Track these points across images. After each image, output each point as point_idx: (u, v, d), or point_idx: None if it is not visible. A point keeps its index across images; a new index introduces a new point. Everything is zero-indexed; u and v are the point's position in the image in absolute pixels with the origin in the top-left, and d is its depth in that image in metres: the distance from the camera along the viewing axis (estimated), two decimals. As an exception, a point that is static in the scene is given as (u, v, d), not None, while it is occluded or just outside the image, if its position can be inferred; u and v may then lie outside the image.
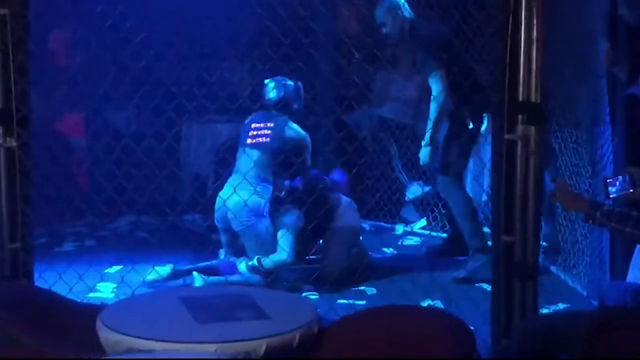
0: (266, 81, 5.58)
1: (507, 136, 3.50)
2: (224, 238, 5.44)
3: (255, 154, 5.36)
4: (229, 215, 5.25)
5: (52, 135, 6.88)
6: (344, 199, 5.58)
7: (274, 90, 5.50)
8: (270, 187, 5.32)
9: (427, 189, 6.71)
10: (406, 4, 5.63)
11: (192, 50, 6.53)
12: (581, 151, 5.18)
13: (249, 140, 5.45)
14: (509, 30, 3.47)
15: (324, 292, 5.05)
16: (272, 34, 5.26)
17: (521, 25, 3.45)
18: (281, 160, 5.33)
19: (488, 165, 5.64)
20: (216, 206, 5.35)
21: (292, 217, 5.30)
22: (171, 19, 5.91)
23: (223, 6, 6.31)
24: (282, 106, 5.48)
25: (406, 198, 6.80)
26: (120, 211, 6.78)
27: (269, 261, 5.19)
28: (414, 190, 6.75)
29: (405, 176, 6.93)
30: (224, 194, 5.29)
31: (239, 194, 5.16)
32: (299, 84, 5.56)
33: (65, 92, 7.19)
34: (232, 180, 5.35)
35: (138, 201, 6.27)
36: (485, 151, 6.16)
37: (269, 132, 5.43)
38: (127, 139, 6.00)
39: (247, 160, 5.33)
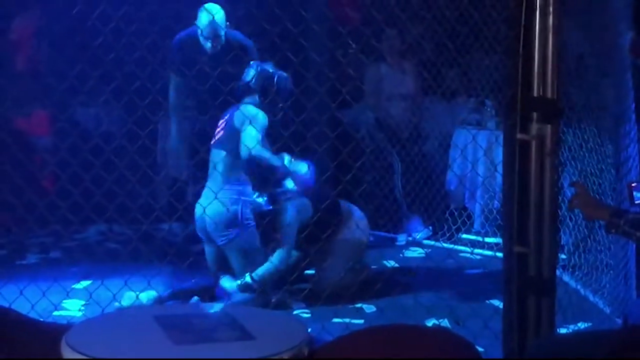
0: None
1: (520, 136, 3.50)
2: (208, 250, 5.44)
3: (218, 154, 5.36)
4: (209, 228, 5.25)
5: (12, 134, 6.87)
6: (356, 210, 5.60)
7: (244, 76, 5.47)
8: (245, 188, 5.30)
9: (427, 231, 6.79)
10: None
11: (168, 40, 6.53)
12: (604, 152, 5.19)
13: (213, 140, 5.46)
14: (522, 17, 3.47)
15: (316, 308, 5.06)
16: (257, 22, 5.25)
17: (536, 11, 3.46)
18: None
19: (499, 168, 5.66)
20: (195, 216, 5.37)
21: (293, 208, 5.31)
22: (145, 5, 5.91)
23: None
24: (249, 94, 5.43)
25: (406, 234, 6.85)
26: (88, 219, 6.78)
27: (262, 270, 5.22)
28: (416, 228, 6.82)
29: (406, 205, 6.95)
30: (201, 203, 5.29)
31: (204, 206, 5.16)
32: (279, 73, 5.50)
33: (27, 86, 7.18)
34: (206, 188, 5.37)
35: (109, 208, 6.26)
36: (497, 152, 6.18)
37: (224, 124, 5.42)
38: (97, 139, 6.00)
39: (211, 164, 5.34)
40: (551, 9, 3.46)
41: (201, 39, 5.94)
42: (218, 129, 5.45)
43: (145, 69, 6.10)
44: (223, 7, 6.03)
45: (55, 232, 6.58)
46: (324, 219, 5.26)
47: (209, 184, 5.33)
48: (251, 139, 5.21)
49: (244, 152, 5.20)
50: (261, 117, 5.31)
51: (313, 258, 5.51)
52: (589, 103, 5.36)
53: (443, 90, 6.93)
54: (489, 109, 6.79)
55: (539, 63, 3.47)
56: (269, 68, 5.48)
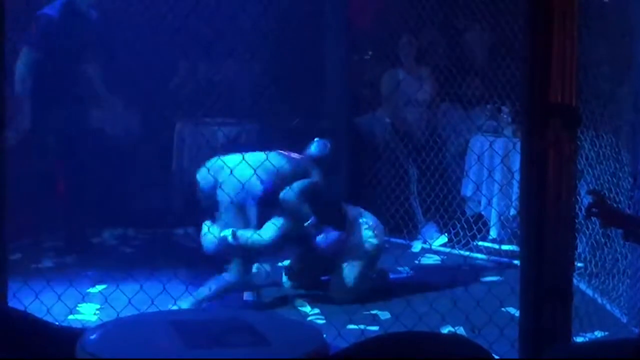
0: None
1: (537, 142, 3.49)
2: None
3: None
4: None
5: (29, 138, 6.88)
6: (368, 216, 5.63)
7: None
8: None
9: (443, 238, 6.77)
10: None
11: (182, 45, 6.54)
12: (621, 161, 5.17)
13: None
14: (540, 23, 3.46)
15: (331, 314, 5.06)
16: (275, 29, 5.27)
17: (554, 18, 3.44)
18: None
19: (517, 175, 5.64)
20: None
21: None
22: (157, 9, 5.94)
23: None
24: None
25: (421, 241, 6.83)
26: (104, 223, 6.80)
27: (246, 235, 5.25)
28: (431, 235, 6.80)
29: (421, 212, 6.93)
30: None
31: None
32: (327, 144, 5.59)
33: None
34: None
35: (124, 212, 6.28)
36: (514, 160, 6.16)
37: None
38: (113, 142, 6.02)
39: None
40: (569, 16, 3.45)
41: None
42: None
43: (163, 74, 6.14)
44: None
45: (70, 236, 6.58)
46: (327, 223, 5.32)
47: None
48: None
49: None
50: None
51: (327, 265, 5.53)
52: (606, 111, 5.35)
53: (460, 96, 6.91)
54: (505, 116, 6.77)
55: (557, 69, 3.46)
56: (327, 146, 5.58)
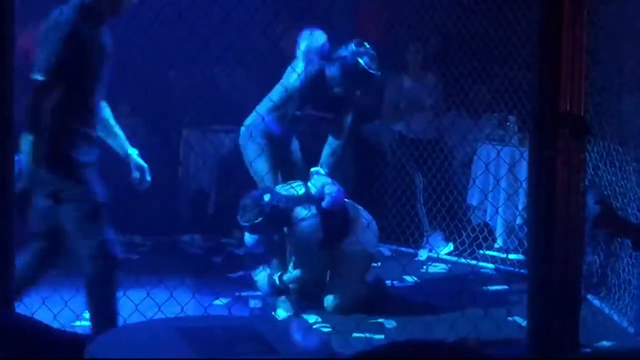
0: None
1: (546, 152, 3.49)
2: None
3: None
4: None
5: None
6: (363, 212, 5.51)
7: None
8: None
9: (450, 247, 6.76)
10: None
11: (190, 53, 6.56)
12: (629, 170, 5.16)
13: None
14: (550, 32, 3.46)
15: (336, 322, 5.05)
16: (283, 37, 5.26)
17: (563, 26, 3.45)
18: None
19: (524, 184, 5.64)
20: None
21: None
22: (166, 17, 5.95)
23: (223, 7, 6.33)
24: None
25: (427, 250, 6.82)
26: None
27: (288, 276, 5.28)
28: (437, 244, 6.79)
29: (427, 221, 6.92)
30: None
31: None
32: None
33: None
34: None
35: (130, 219, 6.28)
36: (521, 169, 6.16)
37: None
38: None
39: None
40: (579, 25, 3.45)
41: None
42: None
43: (169, 81, 6.15)
44: None
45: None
46: (334, 227, 5.28)
47: None
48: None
49: None
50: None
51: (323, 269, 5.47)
52: (614, 120, 5.34)
53: (467, 105, 6.92)
54: (511, 125, 6.76)
55: (566, 79, 3.46)
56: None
